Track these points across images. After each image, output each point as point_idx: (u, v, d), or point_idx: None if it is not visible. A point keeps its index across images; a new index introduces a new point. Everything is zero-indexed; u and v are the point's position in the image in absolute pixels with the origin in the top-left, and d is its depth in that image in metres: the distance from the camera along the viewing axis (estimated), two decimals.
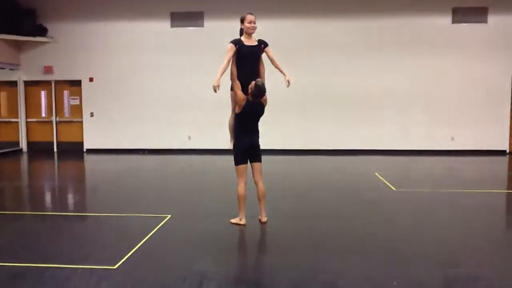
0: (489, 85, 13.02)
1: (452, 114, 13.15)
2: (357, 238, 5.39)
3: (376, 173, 9.66)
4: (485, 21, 12.91)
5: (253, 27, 5.70)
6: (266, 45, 5.85)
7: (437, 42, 13.01)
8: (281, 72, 5.79)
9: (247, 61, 5.67)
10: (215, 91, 5.40)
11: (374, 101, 13.19)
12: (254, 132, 5.84)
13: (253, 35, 5.82)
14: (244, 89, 5.61)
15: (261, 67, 5.85)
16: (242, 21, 5.75)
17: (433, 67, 13.05)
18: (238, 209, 5.87)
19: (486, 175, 10.15)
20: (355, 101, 13.21)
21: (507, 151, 13.17)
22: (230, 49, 5.57)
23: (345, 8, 13.05)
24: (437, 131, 13.22)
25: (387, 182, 8.66)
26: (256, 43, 5.79)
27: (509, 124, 13.12)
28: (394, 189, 8.10)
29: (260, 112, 5.77)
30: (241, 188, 5.81)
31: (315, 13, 13.11)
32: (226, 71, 5.58)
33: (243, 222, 5.83)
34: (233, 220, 5.90)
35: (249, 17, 5.69)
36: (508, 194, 8.14)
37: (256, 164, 5.90)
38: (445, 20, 12.98)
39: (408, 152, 13.01)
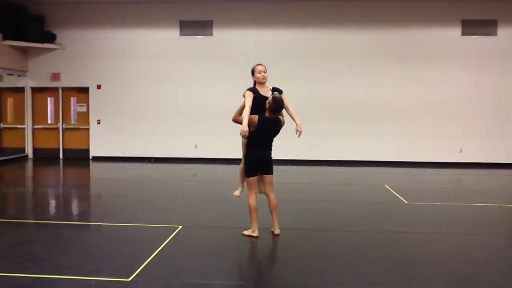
0: (498, 98, 12.96)
1: (460, 126, 13.07)
2: (373, 252, 5.28)
3: (386, 185, 9.56)
4: (495, 34, 12.88)
5: (263, 76, 5.71)
6: (280, 92, 5.78)
7: (446, 54, 12.98)
8: (294, 121, 5.75)
9: (263, 110, 5.63)
10: (244, 137, 5.42)
11: (383, 113, 13.13)
12: (268, 147, 5.79)
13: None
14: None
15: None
16: (253, 72, 5.78)
17: (443, 79, 13.00)
18: (250, 221, 5.78)
19: (496, 188, 10.04)
20: (364, 112, 13.15)
21: None
22: (249, 95, 5.56)
23: (354, 19, 13.03)
24: (445, 143, 13.13)
25: (398, 195, 8.56)
26: (271, 93, 5.73)
27: None
28: (406, 202, 8.00)
29: (277, 129, 5.70)
30: (252, 200, 5.73)
31: (323, 23, 13.09)
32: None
33: (255, 234, 5.74)
34: (245, 232, 5.82)
35: (258, 68, 5.74)
36: None
37: (267, 177, 5.84)
38: (455, 32, 12.95)
39: (416, 164, 12.92)
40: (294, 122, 5.74)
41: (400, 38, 13.02)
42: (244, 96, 5.59)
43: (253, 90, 5.66)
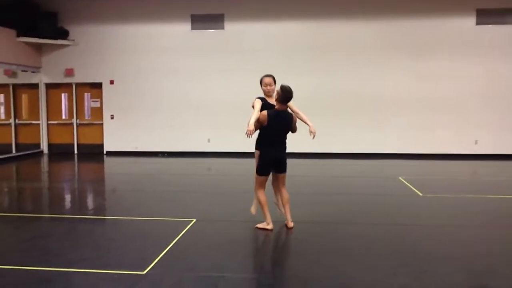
0: None
1: (476, 117, 12.91)
2: (386, 245, 5.25)
3: (400, 178, 9.49)
4: (511, 23, 12.66)
5: (268, 90, 5.84)
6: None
7: (461, 44, 12.80)
8: (306, 123, 5.82)
9: None
10: (249, 136, 5.39)
11: (397, 105, 13.01)
12: (282, 146, 5.78)
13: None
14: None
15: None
16: (261, 83, 5.90)
17: (457, 70, 12.83)
18: (263, 215, 5.79)
19: (511, 180, 9.93)
20: (378, 105, 13.05)
21: None
22: (258, 101, 5.67)
23: (365, 10, 12.90)
24: (460, 135, 12.99)
25: (412, 187, 8.50)
26: None
27: None
28: (421, 194, 7.93)
29: (287, 122, 5.67)
30: (261, 195, 5.78)
31: (335, 15, 12.98)
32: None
33: (270, 226, 5.74)
34: (259, 225, 5.82)
35: (265, 80, 5.86)
36: None
37: (280, 175, 5.88)
38: (469, 21, 12.76)
39: (431, 156, 12.82)
40: (307, 125, 5.80)
41: (415, 29, 12.84)
42: (253, 106, 5.66)
43: (262, 98, 5.79)
